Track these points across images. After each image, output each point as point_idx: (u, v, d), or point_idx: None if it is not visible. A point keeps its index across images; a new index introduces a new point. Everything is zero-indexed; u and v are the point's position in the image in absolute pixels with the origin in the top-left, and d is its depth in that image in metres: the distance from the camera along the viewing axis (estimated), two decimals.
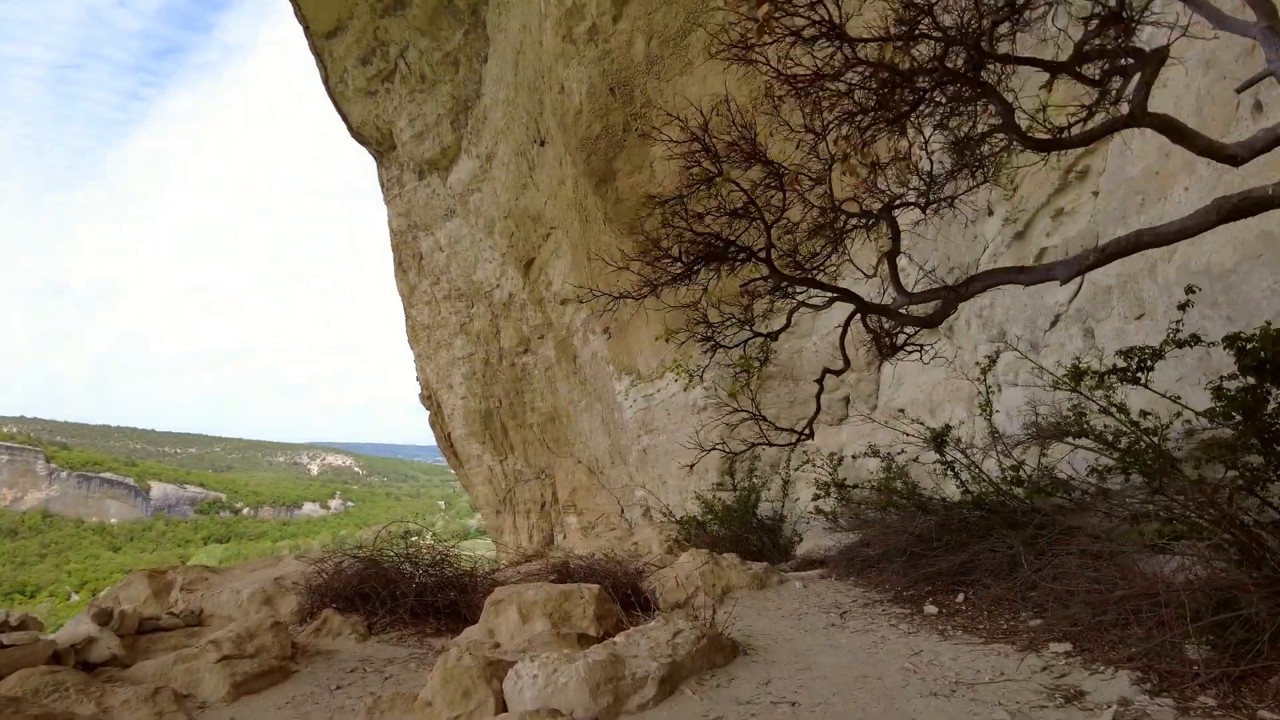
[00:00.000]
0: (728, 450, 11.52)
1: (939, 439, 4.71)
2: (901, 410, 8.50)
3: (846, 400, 9.88)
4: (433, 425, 29.84)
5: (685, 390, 11.99)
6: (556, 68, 10.99)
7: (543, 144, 17.15)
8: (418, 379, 29.86)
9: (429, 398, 29.38)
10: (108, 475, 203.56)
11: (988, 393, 4.62)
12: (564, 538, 23.89)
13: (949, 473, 4.67)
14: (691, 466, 12.74)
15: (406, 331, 28.74)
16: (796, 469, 8.89)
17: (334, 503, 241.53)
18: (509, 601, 4.22)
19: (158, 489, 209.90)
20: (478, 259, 24.18)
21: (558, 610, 4.00)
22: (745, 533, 8.44)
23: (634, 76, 9.83)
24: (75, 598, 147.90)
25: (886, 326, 5.52)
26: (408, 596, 5.02)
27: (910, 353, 5.10)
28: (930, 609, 4.07)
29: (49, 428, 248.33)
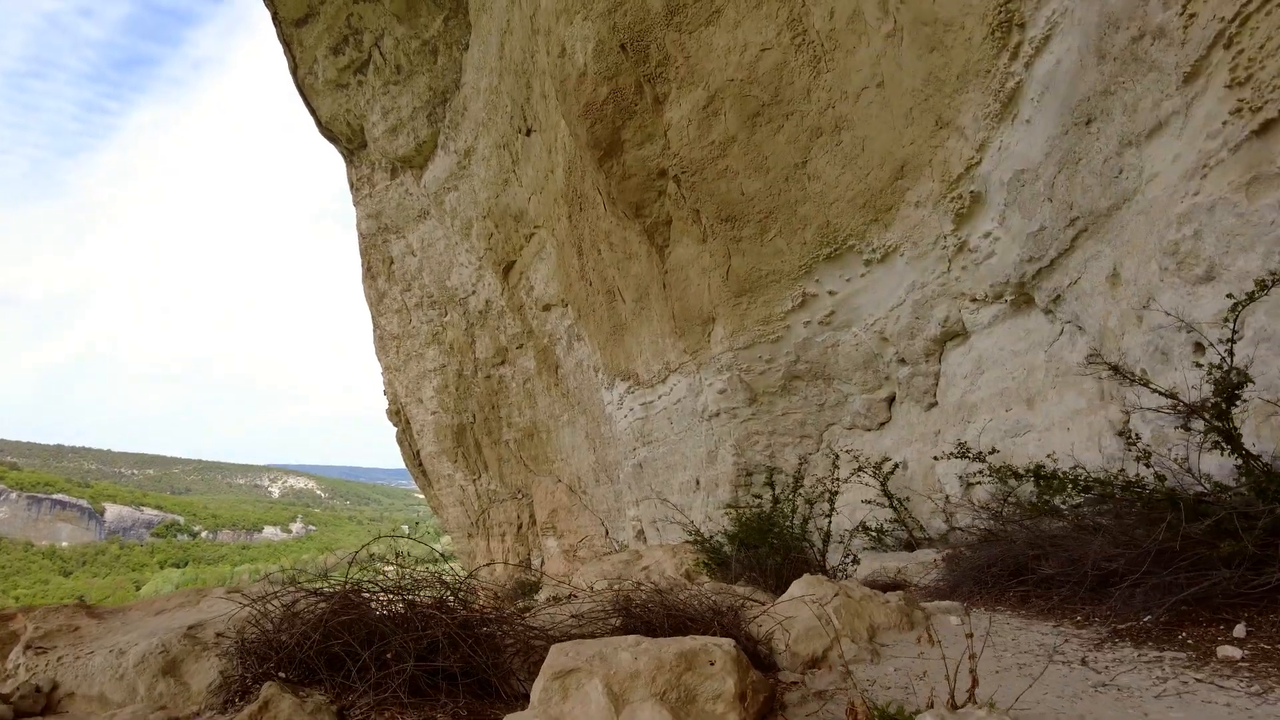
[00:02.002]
0: (746, 461, 10.20)
1: (1228, 391, 3.18)
2: (964, 406, 7.20)
3: (890, 401, 8.57)
4: (400, 442, 28.13)
5: (695, 395, 10.61)
6: (557, 28, 9.69)
7: (529, 133, 15.82)
8: (385, 393, 28.17)
9: (397, 413, 27.69)
10: (60, 497, 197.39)
11: (1231, 342, 3.26)
12: (542, 562, 22.29)
13: (1221, 448, 3.21)
14: (698, 481, 11.41)
15: (374, 342, 27.09)
16: (845, 480, 7.55)
17: (295, 526, 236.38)
18: (588, 673, 2.39)
19: (112, 511, 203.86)
20: (452, 263, 22.71)
21: (675, 685, 2.27)
22: (782, 554, 7.06)
23: (650, 30, 8.54)
24: None
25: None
26: (404, 658, 2.90)
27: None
28: (1228, 650, 2.70)
29: None
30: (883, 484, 7.85)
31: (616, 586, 8.60)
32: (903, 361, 8.05)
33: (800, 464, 9.61)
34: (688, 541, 10.90)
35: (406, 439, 27.51)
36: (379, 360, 27.22)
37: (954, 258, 6.96)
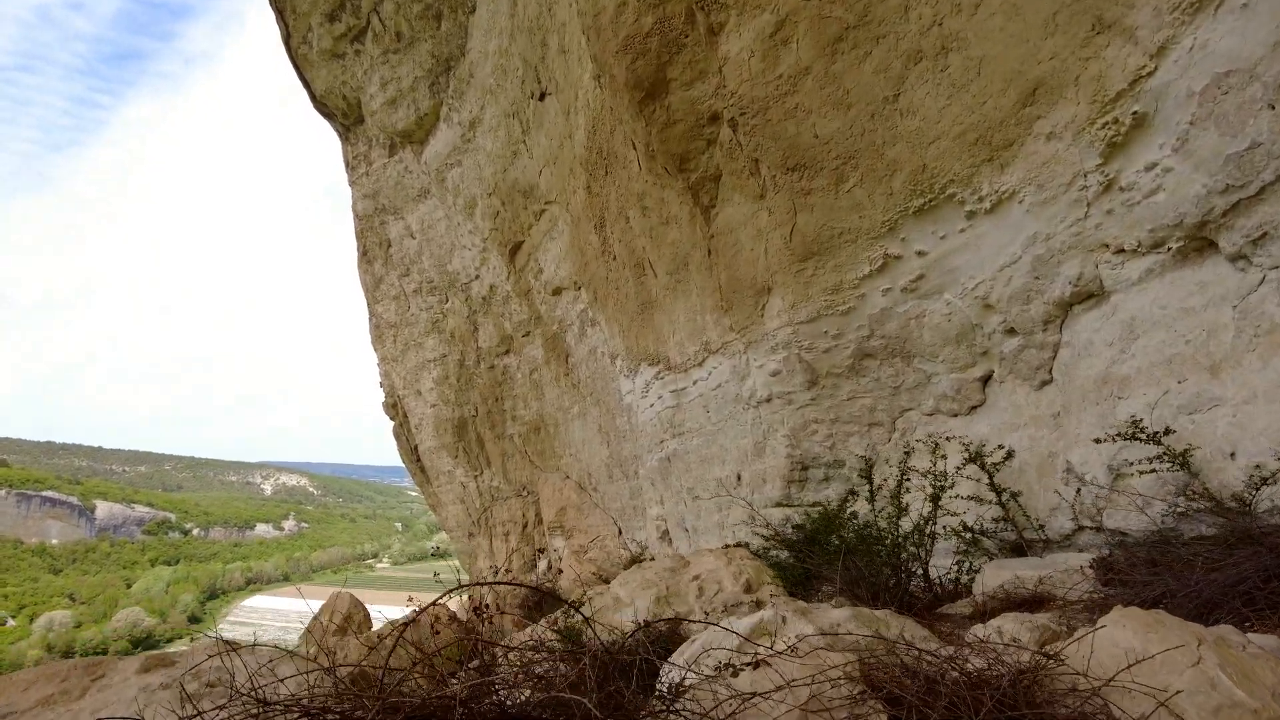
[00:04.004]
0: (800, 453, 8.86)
1: None
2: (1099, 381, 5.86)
3: (984, 380, 7.24)
4: (397, 437, 26.75)
5: (741, 378, 9.27)
6: None
7: (543, 97, 14.46)
8: (382, 385, 26.79)
9: (394, 406, 26.31)
10: (50, 494, 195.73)
11: None
12: (548, 565, 20.95)
13: None
14: (740, 477, 10.07)
15: (370, 331, 25.71)
16: (959, 470, 6.25)
17: (288, 524, 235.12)
18: None
19: (103, 508, 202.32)
20: (454, 245, 21.34)
21: None
22: (891, 565, 5.73)
23: None
24: (12, 623, 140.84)
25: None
26: None
27: None
28: None
29: None
30: (991, 476, 6.52)
31: (662, 596, 7.24)
32: (1011, 332, 6.72)
33: (868, 456, 8.31)
34: (729, 546, 9.57)
35: (404, 433, 26.13)
36: (375, 350, 25.84)
37: (1096, 200, 5.63)
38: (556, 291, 17.78)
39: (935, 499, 6.12)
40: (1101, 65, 5.28)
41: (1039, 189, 6.03)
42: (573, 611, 6.96)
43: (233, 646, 2.77)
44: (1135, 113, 5.15)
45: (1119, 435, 5.02)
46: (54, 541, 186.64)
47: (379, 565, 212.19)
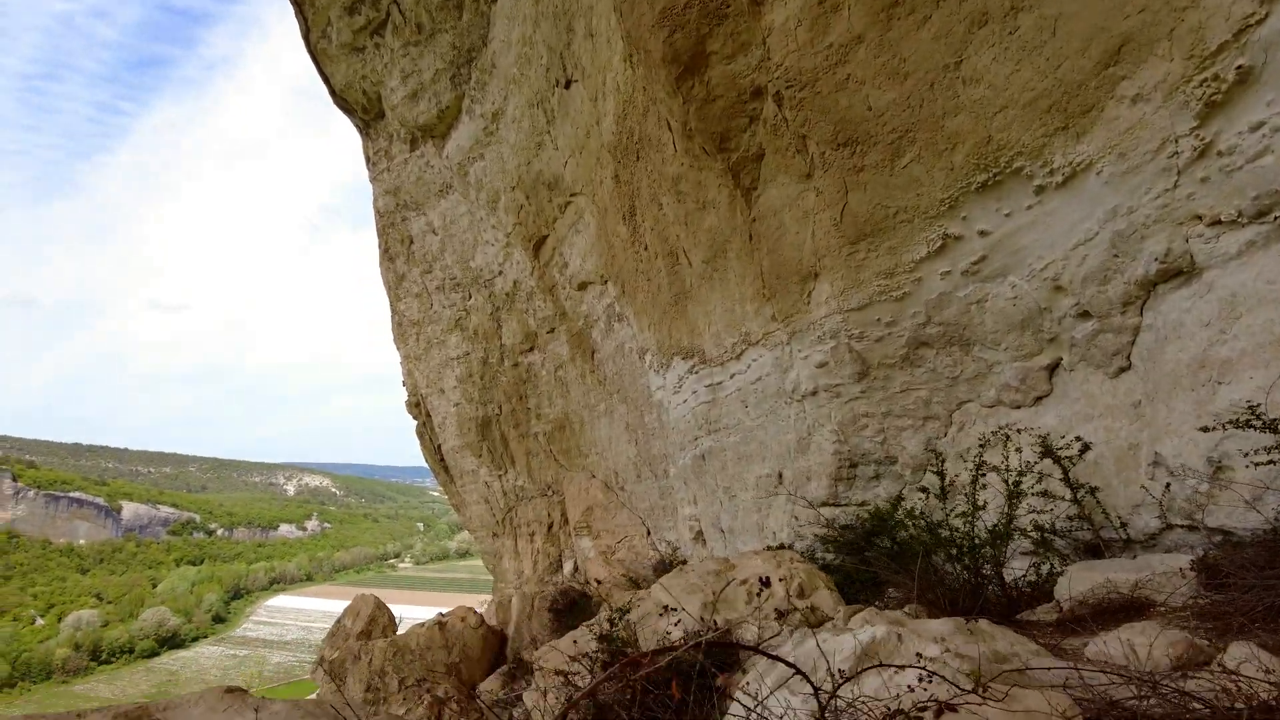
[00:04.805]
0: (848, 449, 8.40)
1: None
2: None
3: (1051, 369, 6.73)
4: (421, 436, 26.43)
5: (783, 371, 8.80)
6: None
7: (568, 85, 14.05)
8: (404, 383, 26.48)
9: (417, 405, 25.99)
10: (77, 495, 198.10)
11: None
12: (574, 567, 20.54)
13: None
14: (780, 476, 9.59)
15: (392, 329, 25.39)
16: (1034, 464, 5.77)
17: (310, 524, 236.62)
18: None
19: (129, 509, 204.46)
20: (477, 241, 20.96)
21: None
22: (971, 568, 5.25)
23: None
24: (40, 621, 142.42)
25: None
26: None
27: None
28: None
29: (16, 445, 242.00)
30: (1065, 471, 6.01)
31: (709, 602, 6.78)
32: (1084, 315, 6.21)
33: (924, 451, 7.82)
34: (771, 548, 9.10)
35: (427, 432, 25.80)
36: (397, 348, 25.53)
37: (1188, 167, 5.12)
38: (582, 286, 17.35)
39: (1015, 495, 5.63)
40: (1200, 15, 4.77)
41: (1120, 158, 5.52)
42: (612, 615, 6.53)
43: (238, 692, 2.35)
44: (1240, 67, 4.64)
45: (1230, 423, 4.52)
46: (81, 541, 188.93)
47: (401, 565, 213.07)
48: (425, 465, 28.12)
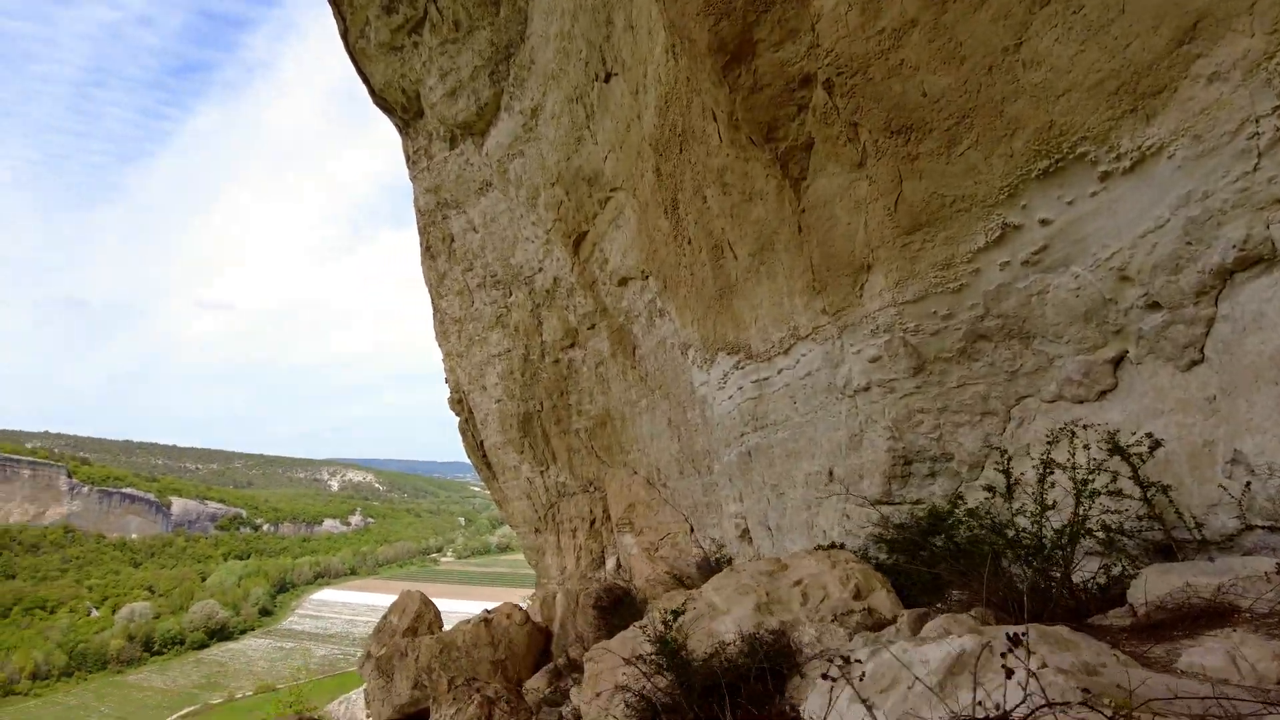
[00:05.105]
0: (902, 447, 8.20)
1: None
2: None
3: (1116, 362, 6.47)
4: (463, 433, 26.56)
5: (834, 366, 8.61)
6: None
7: (608, 78, 13.94)
8: (446, 380, 26.63)
9: (459, 402, 26.12)
10: (129, 491, 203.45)
11: None
12: (617, 564, 20.47)
13: None
14: (831, 473, 9.41)
15: (434, 327, 25.53)
16: (1103, 464, 5.54)
17: (354, 519, 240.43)
18: None
19: (179, 505, 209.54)
20: (517, 238, 20.94)
21: None
22: (1040, 570, 5.05)
23: None
24: (95, 613, 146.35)
25: None
26: None
27: None
28: None
29: (71, 443, 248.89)
30: (1135, 469, 5.77)
31: (762, 604, 6.64)
32: (1153, 306, 5.95)
33: (982, 448, 7.59)
34: (821, 547, 8.93)
35: (469, 429, 25.92)
36: (439, 346, 25.66)
37: (1270, 149, 4.86)
38: (623, 282, 17.25)
39: (1088, 494, 5.40)
40: None
41: (1195, 140, 5.27)
42: (665, 617, 6.42)
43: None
44: None
45: None
46: (133, 536, 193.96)
47: (443, 559, 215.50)
48: (466, 460, 28.29)
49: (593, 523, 21.85)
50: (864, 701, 2.50)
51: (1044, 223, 6.45)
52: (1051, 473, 5.67)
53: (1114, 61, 5.53)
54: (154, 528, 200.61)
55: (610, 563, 20.83)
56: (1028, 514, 5.66)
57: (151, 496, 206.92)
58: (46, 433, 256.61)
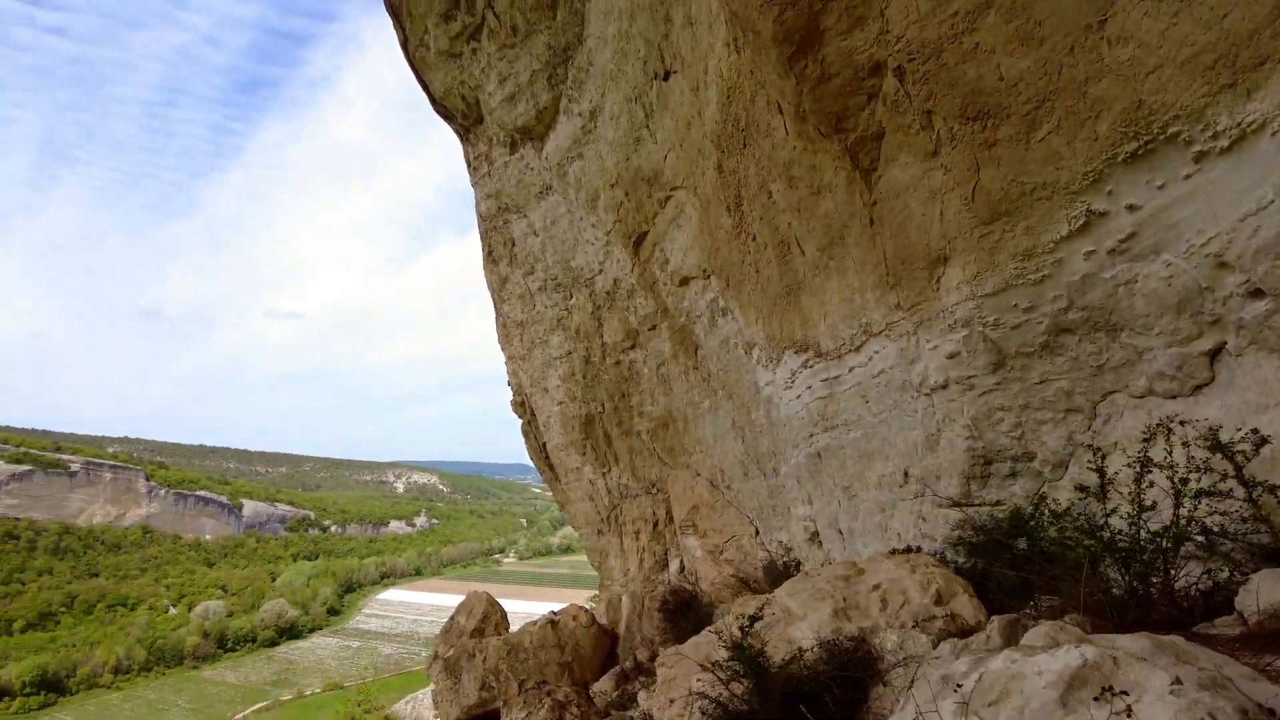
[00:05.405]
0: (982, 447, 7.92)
1: None
2: None
3: (1212, 354, 6.13)
4: (526, 435, 26.72)
5: (909, 363, 8.36)
6: None
7: (667, 77, 13.84)
8: (509, 383, 26.82)
9: (522, 404, 26.28)
10: (203, 493, 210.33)
11: None
12: (680, 566, 20.33)
13: None
14: (906, 474, 9.14)
15: (497, 331, 25.74)
16: (1204, 464, 5.23)
17: (419, 520, 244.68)
18: None
19: (249, 507, 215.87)
20: (577, 240, 20.97)
21: None
22: (1139, 575, 4.79)
23: None
24: (173, 611, 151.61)
25: None
26: None
27: None
28: None
29: (149, 448, 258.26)
30: (1239, 468, 5.44)
31: (839, 609, 6.45)
32: (1255, 294, 5.61)
33: (1066, 445, 7.28)
34: (896, 551, 8.68)
35: (532, 431, 26.06)
36: (502, 349, 25.86)
37: None
38: (684, 281, 17.12)
39: (1192, 494, 5.11)
40: None
41: None
42: (743, 623, 6.27)
43: None
44: None
45: None
46: (207, 537, 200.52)
47: (505, 560, 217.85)
48: (527, 461, 28.44)
49: (655, 524, 21.75)
50: (973, 716, 2.33)
51: (1132, 208, 6.15)
52: (1150, 471, 5.36)
53: (1210, 34, 5.23)
54: (226, 529, 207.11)
55: (674, 565, 20.70)
56: (1123, 515, 5.37)
57: (224, 499, 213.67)
58: (126, 438, 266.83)
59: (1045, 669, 2.42)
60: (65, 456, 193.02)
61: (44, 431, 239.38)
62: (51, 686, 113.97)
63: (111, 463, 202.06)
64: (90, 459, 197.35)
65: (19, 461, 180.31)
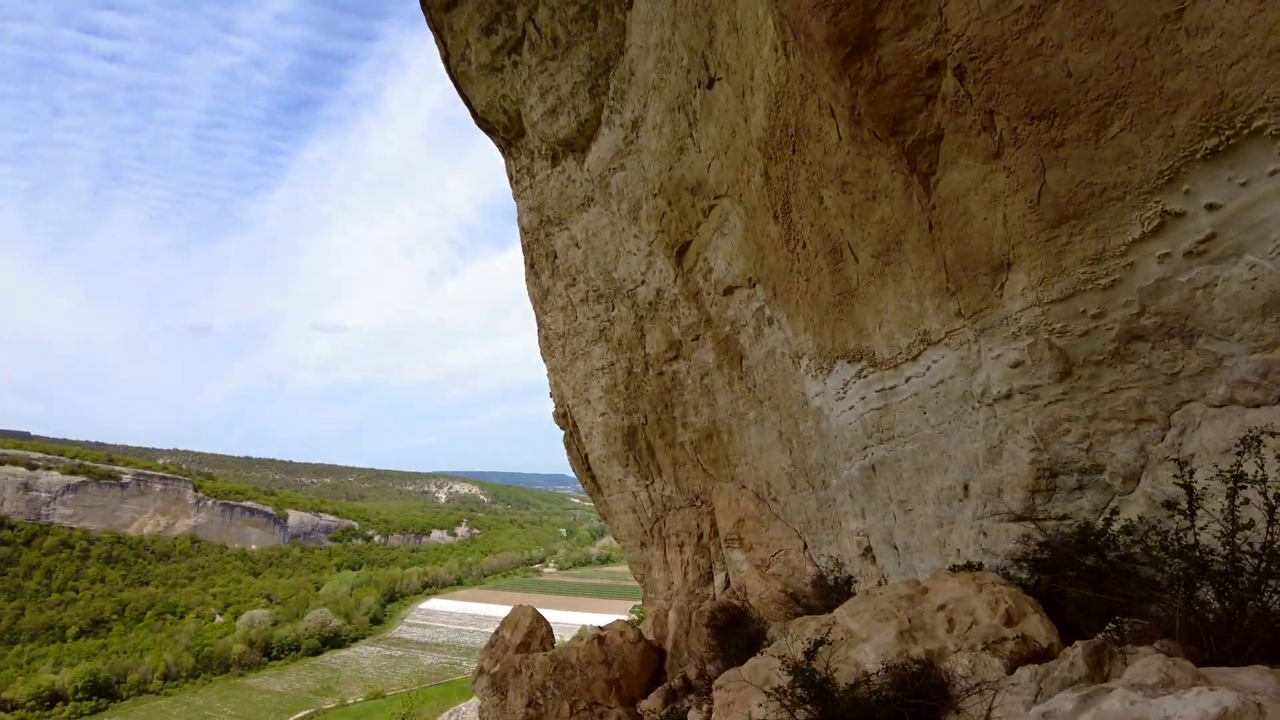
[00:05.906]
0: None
1: None
2: None
3: None
4: (568, 446, 26.65)
5: (970, 372, 8.07)
6: None
7: (711, 84, 13.67)
8: (551, 395, 26.79)
9: (564, 415, 26.22)
10: (249, 504, 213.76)
11: None
12: (726, 581, 20.04)
13: None
14: (966, 487, 8.83)
15: (539, 342, 25.74)
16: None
17: (460, 530, 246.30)
18: None
19: (294, 517, 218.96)
20: (619, 252, 20.87)
21: None
22: (1233, 598, 4.48)
23: None
24: (219, 619, 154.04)
25: None
26: None
27: None
28: None
29: (197, 459, 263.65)
30: None
31: (904, 630, 6.18)
32: None
33: (1137, 457, 6.94)
34: (958, 568, 8.38)
35: (574, 442, 25.98)
36: (544, 361, 25.85)
37: None
38: (728, 291, 16.92)
39: (1272, 512, 4.78)
40: None
41: None
42: (808, 647, 6.04)
43: None
44: None
45: None
46: (253, 546, 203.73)
47: (545, 570, 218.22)
48: (566, 472, 28.38)
49: (699, 537, 21.49)
50: None
51: (1211, 208, 5.84)
52: (1244, 486, 5.03)
53: None
54: (272, 539, 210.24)
55: (719, 579, 20.42)
56: (1214, 533, 5.05)
57: (270, 509, 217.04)
58: (175, 450, 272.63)
59: (1176, 715, 2.16)
60: (117, 468, 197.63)
61: (97, 444, 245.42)
62: (103, 692, 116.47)
63: (161, 474, 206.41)
64: (141, 470, 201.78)
65: (74, 473, 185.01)
